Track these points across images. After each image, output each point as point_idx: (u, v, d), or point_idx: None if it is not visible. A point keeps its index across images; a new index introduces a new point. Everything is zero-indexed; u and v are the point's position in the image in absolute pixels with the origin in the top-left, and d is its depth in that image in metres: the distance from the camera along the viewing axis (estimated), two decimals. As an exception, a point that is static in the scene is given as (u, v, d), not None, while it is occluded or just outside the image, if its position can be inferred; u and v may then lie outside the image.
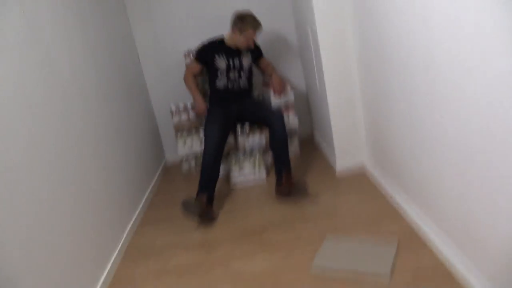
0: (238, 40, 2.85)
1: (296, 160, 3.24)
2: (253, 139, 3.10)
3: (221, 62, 2.92)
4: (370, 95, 2.50)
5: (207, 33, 3.41)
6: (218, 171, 2.69)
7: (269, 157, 3.20)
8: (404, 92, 1.93)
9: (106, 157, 2.39)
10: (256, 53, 3.08)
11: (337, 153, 2.82)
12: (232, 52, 2.93)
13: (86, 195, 2.03)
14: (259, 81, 3.52)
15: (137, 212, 2.72)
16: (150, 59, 3.57)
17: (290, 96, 3.21)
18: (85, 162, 2.10)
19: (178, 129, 3.20)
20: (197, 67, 3.04)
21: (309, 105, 3.66)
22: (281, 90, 3.09)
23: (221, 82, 2.98)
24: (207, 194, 2.56)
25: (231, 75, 2.95)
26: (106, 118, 2.51)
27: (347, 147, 2.81)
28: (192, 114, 3.20)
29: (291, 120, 3.25)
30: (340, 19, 2.54)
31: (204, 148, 2.69)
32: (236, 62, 2.94)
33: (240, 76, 2.98)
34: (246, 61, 2.97)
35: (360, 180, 2.71)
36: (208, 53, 2.95)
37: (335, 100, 2.70)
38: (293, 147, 3.35)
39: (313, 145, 3.55)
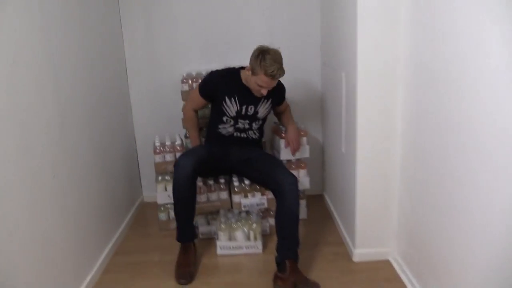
0: (249, 82, 2.22)
1: (302, 228, 2.56)
2: (252, 200, 2.43)
3: (230, 108, 2.30)
4: (413, 175, 1.88)
5: (214, 57, 2.79)
6: (194, 206, 2.24)
7: (269, 223, 2.54)
8: (459, 181, 1.48)
9: (66, 195, 1.90)
10: (278, 98, 2.42)
11: (358, 239, 2.17)
12: (247, 96, 2.29)
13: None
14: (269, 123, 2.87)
15: (100, 260, 2.22)
16: (140, 78, 2.92)
17: (305, 153, 2.57)
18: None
19: (160, 171, 2.53)
20: (200, 102, 2.42)
21: (323, 161, 3.01)
22: (297, 149, 2.45)
23: (225, 130, 2.36)
24: (189, 239, 2.24)
25: (240, 125, 2.33)
26: (74, 143, 2.02)
27: (372, 233, 2.17)
28: (178, 155, 2.53)
29: (302, 180, 2.60)
30: (388, 72, 1.93)
31: (174, 183, 2.16)
32: (251, 110, 2.31)
33: (250, 127, 2.36)
34: (264, 110, 2.35)
35: (385, 277, 2.06)
36: (217, 92, 2.31)
37: (366, 171, 2.06)
38: (301, 211, 2.68)
39: (323, 209, 2.89)
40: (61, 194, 1.85)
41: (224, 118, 2.32)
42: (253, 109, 2.30)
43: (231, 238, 2.32)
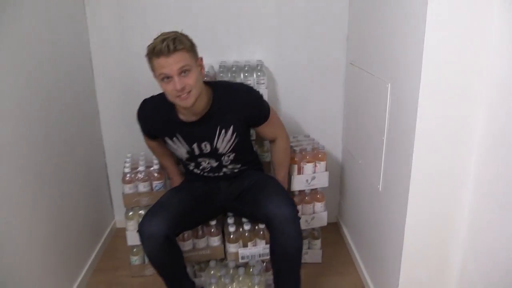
0: (166, 95, 1.47)
1: (314, 277, 1.98)
2: (253, 250, 1.81)
3: (178, 150, 1.65)
4: (487, 240, 1.28)
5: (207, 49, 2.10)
6: (181, 265, 1.67)
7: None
8: None
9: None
10: (246, 118, 1.61)
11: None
12: (195, 129, 1.57)
13: None
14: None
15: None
16: (108, 74, 2.23)
17: (323, 181, 1.94)
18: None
19: (130, 204, 1.89)
20: (154, 145, 1.80)
21: (341, 183, 2.38)
22: None
23: (195, 170, 1.75)
24: None
25: (205, 164, 1.69)
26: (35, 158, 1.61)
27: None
28: (156, 184, 1.89)
29: (317, 216, 1.99)
30: (465, 90, 1.28)
31: (147, 255, 1.57)
32: (206, 147, 1.63)
33: (220, 163, 1.69)
34: (226, 144, 1.63)
35: None
36: (155, 132, 1.69)
37: (416, 227, 1.44)
38: (314, 254, 2.08)
39: (339, 244, 2.28)
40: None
41: (183, 161, 1.72)
42: (208, 146, 1.61)
43: (224, 299, 1.71)
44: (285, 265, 1.60)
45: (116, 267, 2.12)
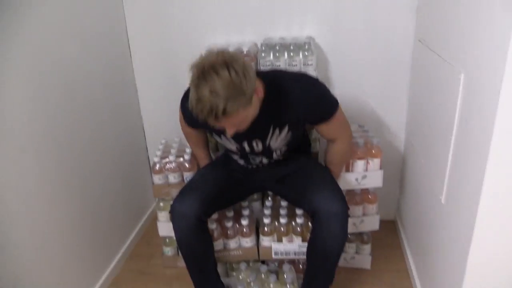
0: None
1: (362, 281, 1.77)
2: (288, 246, 1.63)
3: (228, 145, 1.47)
4: None
5: (246, 26, 1.88)
6: (211, 258, 1.57)
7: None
8: None
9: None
10: (309, 118, 1.39)
11: None
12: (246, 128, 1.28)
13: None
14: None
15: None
16: (148, 59, 2.09)
17: (376, 181, 1.68)
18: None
19: (159, 195, 1.77)
20: (191, 132, 1.61)
21: (401, 178, 2.07)
22: None
23: (239, 160, 1.57)
24: None
25: (255, 160, 1.51)
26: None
27: None
28: (186, 176, 1.73)
29: (367, 220, 1.73)
30: None
31: (176, 238, 1.48)
32: (258, 146, 1.43)
33: (270, 158, 1.51)
34: (279, 142, 1.43)
35: None
36: (201, 125, 1.37)
37: (484, 254, 1.15)
38: (362, 260, 1.84)
39: (394, 247, 2.01)
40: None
41: (230, 153, 1.55)
42: (260, 144, 1.43)
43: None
44: (320, 262, 1.46)
45: (151, 255, 2.05)
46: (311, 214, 1.42)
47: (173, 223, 1.45)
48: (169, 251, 1.93)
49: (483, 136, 1.05)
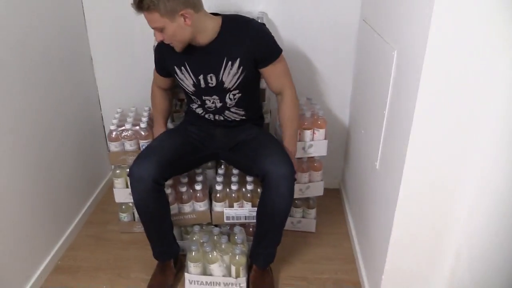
0: None
1: (306, 246, 1.92)
2: (239, 211, 1.74)
3: (185, 81, 1.58)
4: (484, 234, 1.13)
5: None
6: (167, 221, 1.66)
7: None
8: None
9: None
10: (254, 54, 1.51)
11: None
12: (203, 61, 1.53)
13: None
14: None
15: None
16: (103, 28, 2.10)
17: (321, 150, 1.82)
18: None
19: (116, 162, 1.82)
20: (159, 78, 1.71)
21: (346, 149, 2.24)
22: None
23: (197, 109, 1.68)
24: (168, 257, 1.71)
25: (208, 103, 1.61)
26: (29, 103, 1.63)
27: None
28: (143, 143, 1.80)
29: (314, 184, 1.88)
30: (480, 58, 1.08)
31: (133, 200, 1.55)
32: (212, 80, 1.54)
33: (224, 104, 1.61)
34: (232, 78, 1.54)
35: None
36: (165, 63, 1.60)
37: (407, 213, 1.32)
38: (307, 224, 2.00)
39: (337, 214, 2.18)
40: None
41: (189, 97, 1.66)
42: (214, 78, 1.54)
43: (205, 271, 1.67)
44: (269, 222, 1.58)
45: (107, 221, 2.11)
46: (261, 178, 1.52)
47: (131, 186, 1.52)
48: (125, 217, 2.00)
49: (408, 108, 1.19)
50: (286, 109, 1.63)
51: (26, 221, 1.64)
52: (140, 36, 2.03)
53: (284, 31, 2.00)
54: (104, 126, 2.32)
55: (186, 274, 1.65)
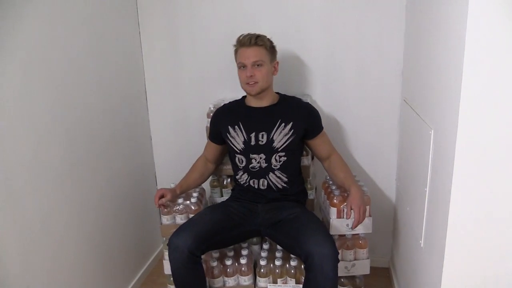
0: (240, 81, 1.75)
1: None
2: (281, 287, 1.74)
3: (236, 139, 1.75)
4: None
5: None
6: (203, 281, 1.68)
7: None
8: None
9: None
10: (304, 123, 1.75)
11: None
12: (255, 120, 1.76)
13: None
14: (320, 176, 2.15)
15: None
16: (162, 108, 2.34)
17: (367, 227, 1.81)
18: None
19: (167, 235, 1.90)
20: (210, 147, 1.89)
21: (394, 225, 2.20)
22: (361, 220, 1.66)
23: (241, 177, 1.79)
24: None
25: (254, 163, 1.73)
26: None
27: None
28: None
29: (358, 264, 1.85)
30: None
31: (171, 270, 1.62)
32: (263, 138, 1.70)
33: (269, 164, 1.73)
34: (283, 137, 1.72)
35: None
36: (220, 125, 1.80)
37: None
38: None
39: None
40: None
41: (237, 159, 1.79)
42: (265, 136, 1.72)
43: None
44: None
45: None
46: (304, 258, 1.53)
47: (168, 255, 1.60)
48: (174, 292, 2.04)
49: (445, 186, 1.21)
50: (341, 166, 1.80)
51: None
52: (194, 117, 2.23)
53: (328, 110, 2.11)
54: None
55: None
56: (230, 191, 2.05)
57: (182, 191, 1.89)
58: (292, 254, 1.74)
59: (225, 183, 2.09)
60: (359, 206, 1.63)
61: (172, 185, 2.04)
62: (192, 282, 1.62)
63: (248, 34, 1.69)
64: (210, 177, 2.12)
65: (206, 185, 2.12)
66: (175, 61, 2.22)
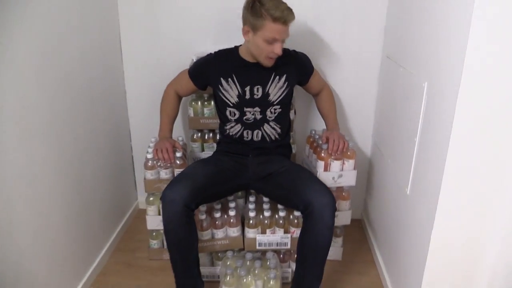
0: (252, 49, 1.65)
1: (334, 274, 1.94)
2: (271, 237, 1.79)
3: (230, 92, 1.71)
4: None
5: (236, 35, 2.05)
6: (194, 251, 1.66)
7: (291, 268, 1.90)
8: None
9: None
10: (299, 71, 1.81)
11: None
12: (250, 73, 1.72)
13: None
14: (304, 131, 2.19)
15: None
16: (137, 59, 2.22)
17: (350, 180, 1.88)
18: None
19: (151, 190, 1.88)
20: (186, 84, 1.83)
21: (368, 180, 2.30)
22: (341, 149, 1.78)
23: (233, 129, 1.77)
24: None
25: (249, 115, 1.72)
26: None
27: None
28: (177, 172, 1.86)
29: (341, 213, 1.93)
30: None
31: (163, 224, 1.57)
32: (258, 92, 1.70)
33: (264, 117, 1.73)
34: (278, 91, 1.73)
35: None
36: (209, 73, 1.74)
37: (444, 241, 1.36)
38: (334, 252, 2.03)
39: (362, 244, 2.22)
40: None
41: (228, 111, 1.75)
42: (260, 90, 1.71)
43: (238, 290, 1.69)
44: (312, 255, 1.59)
45: (135, 249, 2.14)
46: (302, 208, 1.57)
47: (162, 209, 1.55)
48: (155, 244, 2.04)
49: (443, 135, 1.27)
50: (327, 100, 1.93)
51: (61, 245, 1.65)
52: (171, 71, 2.15)
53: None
54: (133, 157, 2.40)
55: (221, 293, 1.68)
56: (212, 145, 2.03)
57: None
58: (285, 205, 1.78)
59: (206, 137, 2.07)
60: (338, 137, 1.77)
61: (153, 140, 1.98)
62: (185, 237, 1.59)
63: (284, 8, 1.53)
64: (191, 131, 2.09)
65: (186, 140, 2.08)
66: (152, 9, 2.10)
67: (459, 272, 1.40)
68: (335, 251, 2.03)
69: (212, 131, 2.07)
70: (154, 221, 1.92)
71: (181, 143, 1.94)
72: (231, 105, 1.73)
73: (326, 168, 1.84)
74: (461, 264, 1.39)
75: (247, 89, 1.70)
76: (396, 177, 1.76)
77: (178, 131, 2.19)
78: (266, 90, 1.71)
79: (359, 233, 2.30)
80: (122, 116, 2.27)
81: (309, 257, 1.60)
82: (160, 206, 1.61)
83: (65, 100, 1.65)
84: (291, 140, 1.99)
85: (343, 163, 1.86)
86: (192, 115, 2.04)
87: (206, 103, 2.02)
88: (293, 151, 2.05)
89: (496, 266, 1.34)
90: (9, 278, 1.34)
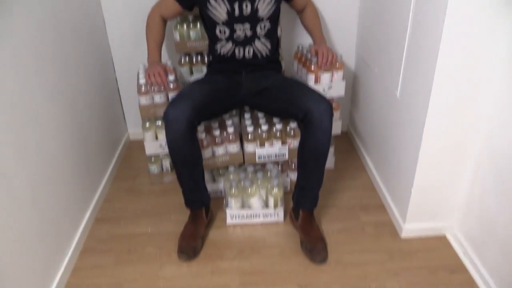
0: None
1: (330, 181, 2.07)
2: (269, 150, 1.87)
3: (218, 9, 1.70)
4: (502, 145, 1.31)
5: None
6: (199, 165, 1.72)
7: (290, 178, 2.02)
8: None
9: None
10: None
11: (412, 212, 1.67)
12: None
13: None
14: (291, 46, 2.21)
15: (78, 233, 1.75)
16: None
17: (339, 90, 1.95)
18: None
19: (147, 116, 1.90)
20: (171, 6, 1.80)
21: (352, 90, 2.39)
22: (330, 60, 1.81)
23: (223, 48, 1.77)
24: (199, 205, 1.77)
25: (239, 32, 1.73)
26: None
27: (429, 205, 1.67)
28: (172, 95, 1.88)
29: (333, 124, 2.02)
30: None
31: (168, 143, 1.60)
32: (247, 8, 1.69)
33: (254, 33, 1.75)
34: (266, 6, 1.72)
35: (442, 257, 1.63)
36: None
37: (435, 137, 1.48)
38: (327, 160, 2.14)
39: (350, 152, 2.37)
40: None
41: (217, 30, 1.74)
42: (249, 6, 1.69)
43: (244, 205, 1.80)
44: (313, 160, 1.65)
45: (134, 176, 2.20)
46: (302, 116, 1.61)
47: (166, 128, 1.56)
48: (154, 169, 2.09)
49: (434, 36, 1.33)
50: (312, 16, 1.93)
51: (66, 176, 1.68)
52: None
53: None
54: (119, 89, 2.38)
55: (227, 210, 1.79)
56: (200, 68, 2.03)
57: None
58: (283, 117, 1.84)
59: (194, 61, 2.06)
60: (327, 49, 1.80)
61: (142, 66, 1.97)
62: (190, 154, 1.64)
63: None
64: (178, 55, 2.08)
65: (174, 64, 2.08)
66: None
67: (449, 164, 1.54)
68: (327, 160, 2.14)
69: (200, 53, 2.06)
70: (152, 146, 1.96)
71: (171, 67, 1.93)
72: (221, 23, 1.72)
73: (316, 81, 1.89)
74: (450, 158, 1.52)
75: (236, 5, 1.68)
76: (384, 83, 1.84)
77: (164, 57, 2.16)
78: (255, 6, 1.70)
79: (346, 144, 2.43)
80: (104, 47, 2.21)
81: (311, 162, 1.66)
82: (158, 129, 1.64)
83: (55, 37, 1.62)
84: (279, 56, 2.02)
85: (333, 74, 1.91)
86: (178, 39, 2.01)
87: (191, 25, 1.99)
88: (283, 66, 2.08)
89: (482, 161, 1.48)
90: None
